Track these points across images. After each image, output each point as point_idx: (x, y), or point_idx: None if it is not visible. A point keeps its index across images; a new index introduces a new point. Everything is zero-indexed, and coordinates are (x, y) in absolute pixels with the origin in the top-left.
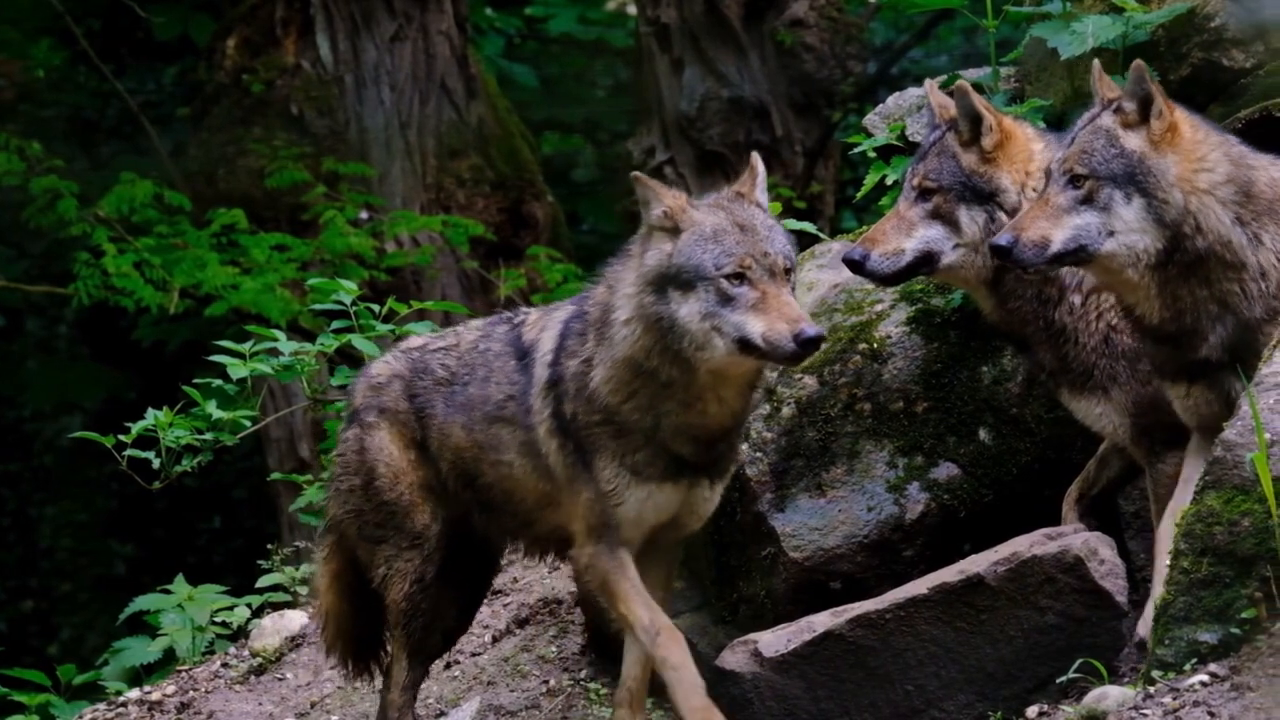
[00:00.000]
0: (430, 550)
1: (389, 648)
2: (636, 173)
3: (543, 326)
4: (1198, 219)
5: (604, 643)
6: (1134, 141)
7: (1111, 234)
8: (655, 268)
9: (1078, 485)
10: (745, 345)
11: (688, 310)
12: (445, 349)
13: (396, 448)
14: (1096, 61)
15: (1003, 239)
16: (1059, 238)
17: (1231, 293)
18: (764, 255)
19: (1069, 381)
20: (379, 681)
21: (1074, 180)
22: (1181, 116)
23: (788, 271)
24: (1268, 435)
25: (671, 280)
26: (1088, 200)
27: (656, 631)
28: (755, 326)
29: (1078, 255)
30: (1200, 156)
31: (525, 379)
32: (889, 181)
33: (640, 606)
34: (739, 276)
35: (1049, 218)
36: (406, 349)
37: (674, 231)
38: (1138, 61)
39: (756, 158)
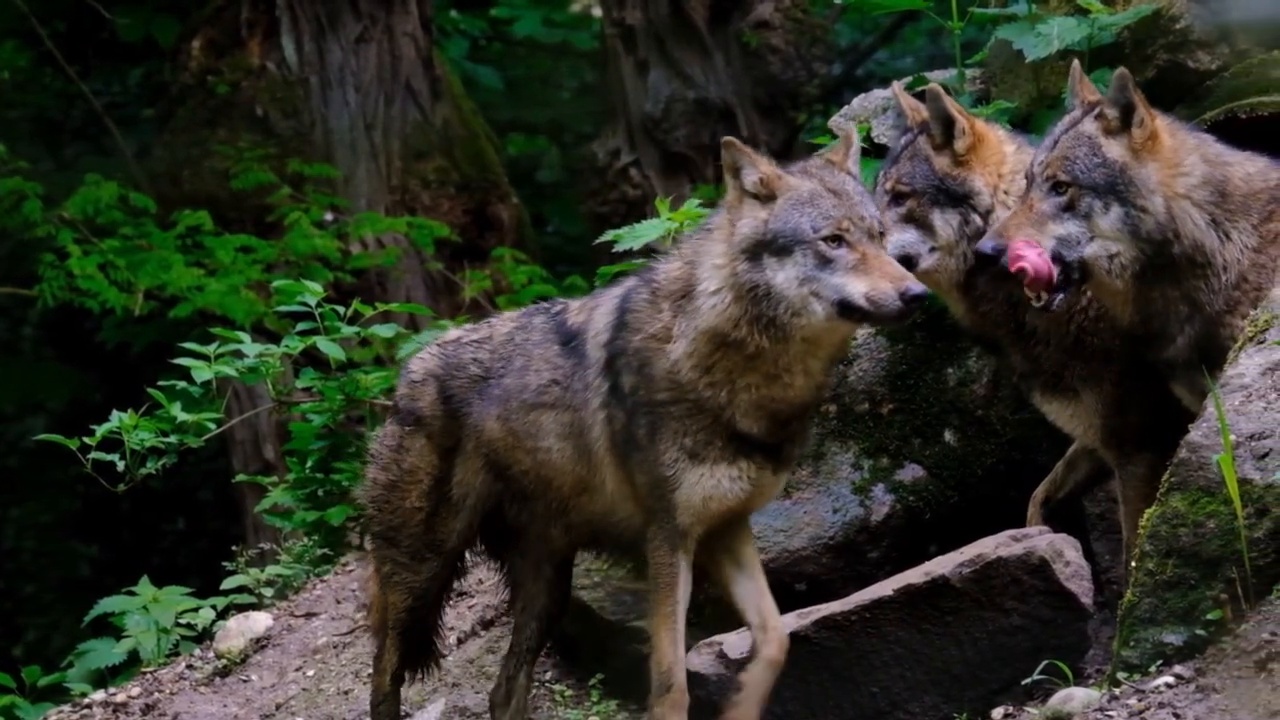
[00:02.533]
0: (439, 568)
1: (383, 641)
2: (729, 138)
3: (592, 308)
4: (1177, 225)
5: (568, 644)
6: (1116, 150)
7: (1091, 240)
8: (750, 235)
9: (1044, 488)
10: (846, 307)
11: (784, 276)
12: (478, 342)
13: (435, 456)
14: (1076, 62)
15: (988, 245)
16: (1046, 245)
17: (1197, 289)
18: (860, 219)
19: (1040, 384)
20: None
21: (1056, 187)
22: (1161, 124)
23: (881, 235)
24: (1233, 437)
25: (767, 246)
26: (1070, 208)
27: (667, 686)
28: (857, 287)
29: (1061, 262)
30: (1177, 162)
31: (573, 361)
32: None
33: (669, 643)
34: (837, 239)
35: (1034, 224)
36: (443, 343)
37: (768, 198)
38: (1122, 70)
39: (852, 128)
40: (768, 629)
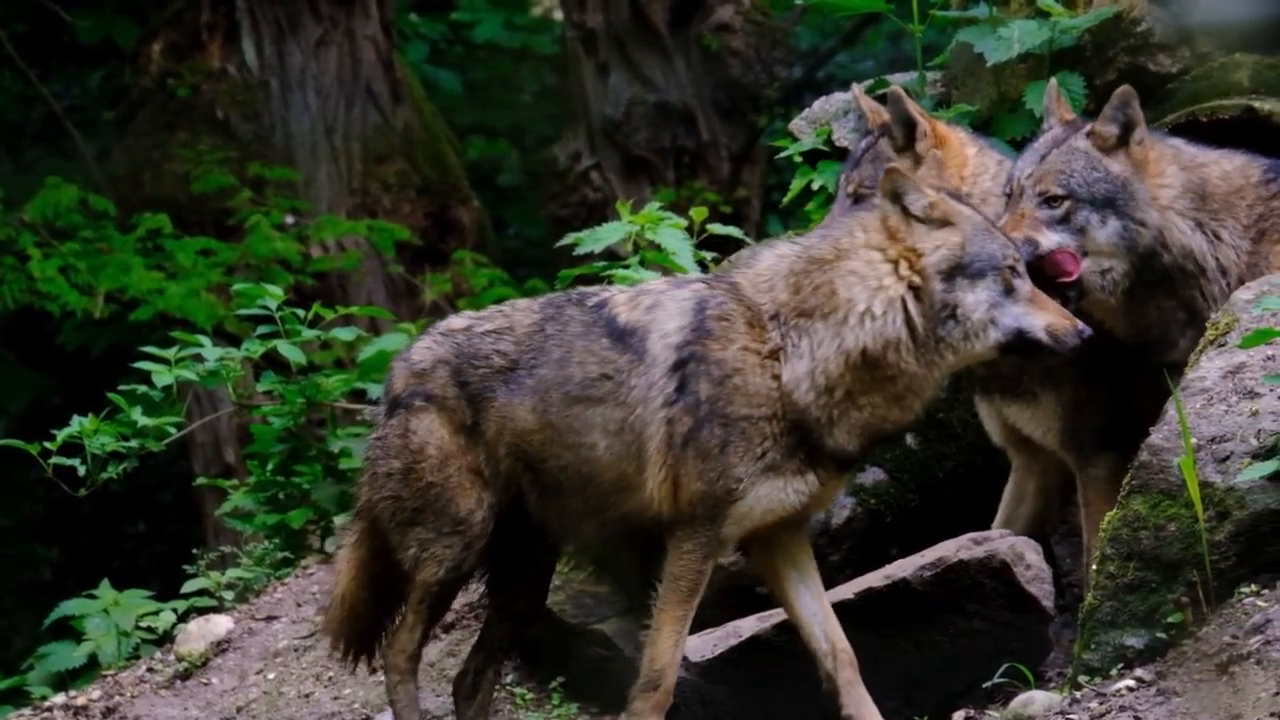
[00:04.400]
0: (473, 537)
1: (401, 619)
2: (893, 164)
3: (649, 306)
4: (1164, 235)
5: (529, 647)
6: (1117, 166)
7: (1084, 256)
8: (948, 257)
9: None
10: (1019, 337)
11: (974, 299)
12: (497, 332)
13: (446, 431)
14: (1054, 81)
15: None
16: (1045, 243)
17: (1194, 296)
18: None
19: (999, 387)
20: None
21: (1050, 200)
22: (1147, 140)
23: None
24: (1194, 439)
25: (963, 270)
26: (1064, 220)
27: (655, 685)
28: (1037, 320)
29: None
30: (1160, 173)
31: (629, 357)
32: (815, 186)
33: (671, 645)
34: (1014, 269)
35: (1030, 227)
36: (449, 332)
37: (942, 223)
38: (1126, 88)
39: (936, 152)
40: (837, 652)
